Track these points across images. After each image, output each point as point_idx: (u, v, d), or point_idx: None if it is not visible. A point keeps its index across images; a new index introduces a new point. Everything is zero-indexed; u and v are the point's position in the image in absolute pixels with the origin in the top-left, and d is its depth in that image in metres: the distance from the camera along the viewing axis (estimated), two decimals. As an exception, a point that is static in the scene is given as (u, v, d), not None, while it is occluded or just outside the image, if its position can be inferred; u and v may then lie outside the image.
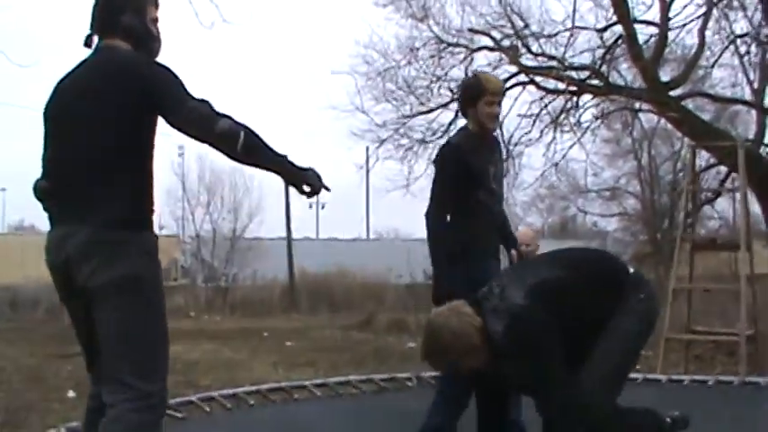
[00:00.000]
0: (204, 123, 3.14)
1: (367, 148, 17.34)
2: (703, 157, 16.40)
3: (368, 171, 19.32)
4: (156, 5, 3.52)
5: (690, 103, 15.02)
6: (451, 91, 14.86)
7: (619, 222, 25.70)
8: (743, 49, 14.59)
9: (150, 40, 3.46)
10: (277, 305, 23.04)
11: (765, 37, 13.19)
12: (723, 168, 15.28)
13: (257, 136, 3.18)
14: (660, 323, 8.81)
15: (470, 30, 14.99)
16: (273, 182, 26.56)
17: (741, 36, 14.25)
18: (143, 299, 3.21)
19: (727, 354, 10.23)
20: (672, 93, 14.00)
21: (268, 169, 3.25)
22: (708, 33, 14.07)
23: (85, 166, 3.24)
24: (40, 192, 3.43)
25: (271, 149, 3.21)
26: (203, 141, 3.17)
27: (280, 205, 26.64)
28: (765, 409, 5.61)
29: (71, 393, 8.12)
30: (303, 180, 3.24)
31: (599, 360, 3.51)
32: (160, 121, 3.28)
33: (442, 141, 15.19)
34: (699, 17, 13.93)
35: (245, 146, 3.11)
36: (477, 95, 4.64)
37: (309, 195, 3.27)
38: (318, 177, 3.28)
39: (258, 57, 59.63)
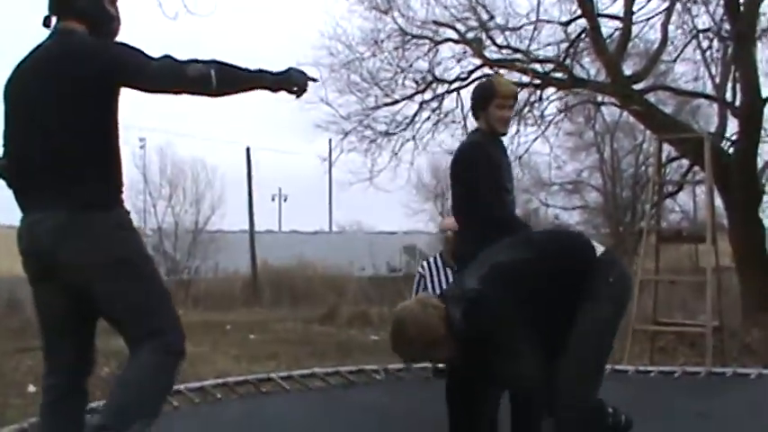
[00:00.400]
0: (174, 75, 3.24)
1: (330, 141, 17.27)
2: (665, 150, 16.50)
3: (331, 163, 19.23)
4: None
5: (652, 97, 15.09)
6: (416, 83, 14.83)
7: (581, 215, 25.80)
8: (705, 44, 14.70)
9: (107, 20, 3.47)
10: (239, 298, 22.92)
11: (726, 32, 13.27)
12: (685, 162, 15.37)
13: (227, 65, 3.31)
14: (627, 314, 8.86)
15: (435, 22, 14.95)
16: (236, 174, 26.37)
17: (703, 31, 14.35)
18: (135, 268, 3.31)
19: (690, 345, 10.33)
20: (635, 86, 14.06)
21: (251, 90, 3.40)
22: (671, 28, 14.16)
23: (52, 150, 3.28)
24: (2, 170, 3.44)
25: (245, 72, 3.35)
26: (180, 92, 3.29)
27: (242, 197, 26.53)
28: (732, 399, 5.63)
29: (31, 388, 8.00)
30: (289, 84, 3.42)
31: (575, 355, 3.49)
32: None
33: (406, 134, 15.50)
34: (662, 12, 14.03)
35: (219, 80, 3.25)
36: (488, 98, 4.60)
37: (299, 95, 3.46)
38: (301, 73, 3.46)
39: (222, 48, 59.26)
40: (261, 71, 3.39)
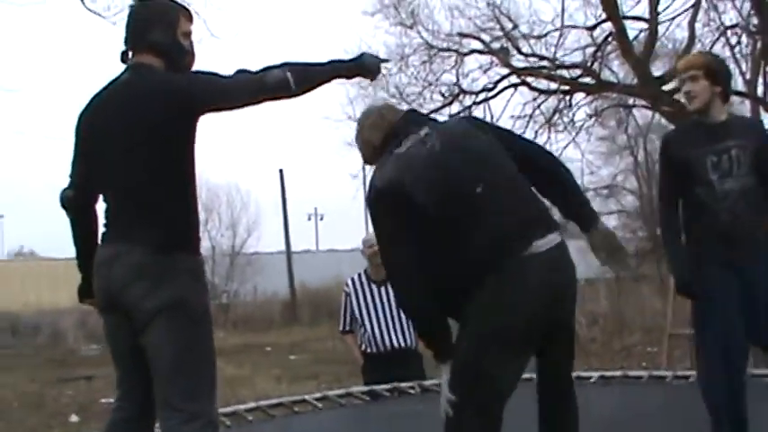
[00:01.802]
0: (255, 88, 3.31)
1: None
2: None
3: (365, 180, 19.25)
4: (189, 19, 3.50)
5: (683, 97, 14.97)
6: (443, 96, 14.84)
7: (618, 220, 25.58)
8: (733, 41, 14.57)
9: (181, 55, 3.43)
10: (278, 319, 23.04)
11: (755, 27, 13.15)
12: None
13: (300, 64, 3.39)
14: (663, 320, 8.79)
15: (460, 34, 14.99)
16: (271, 196, 26.53)
17: (731, 27, 14.23)
18: (191, 323, 3.21)
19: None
20: (665, 87, 13.96)
21: (329, 81, 3.48)
22: (697, 26, 14.06)
23: (129, 188, 3.27)
24: (66, 201, 3.48)
25: (319, 66, 3.45)
26: (263, 102, 3.36)
27: (278, 219, 26.66)
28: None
29: (74, 418, 8.06)
30: (363, 69, 3.56)
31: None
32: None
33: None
34: (687, 10, 13.93)
35: (297, 82, 3.31)
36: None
37: (374, 78, 3.69)
38: (374, 57, 3.62)
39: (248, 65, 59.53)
40: (333, 62, 3.49)
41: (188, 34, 3.47)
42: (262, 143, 56.80)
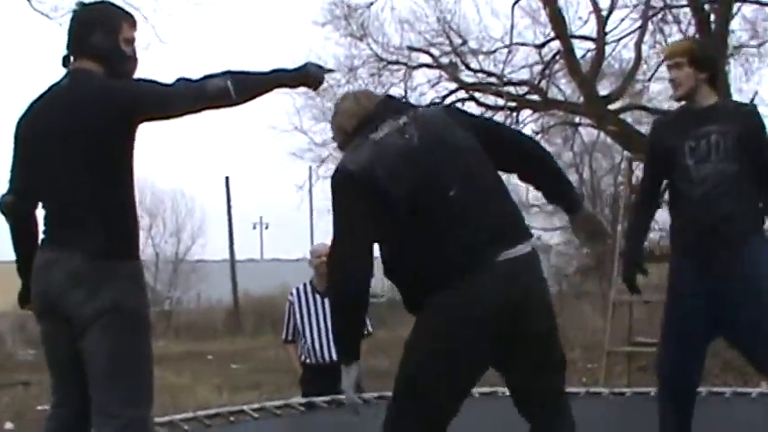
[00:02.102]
0: (194, 96, 3.27)
1: (310, 168, 17.32)
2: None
3: (311, 190, 19.27)
4: (133, 25, 3.46)
5: (629, 117, 15.19)
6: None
7: (561, 236, 25.81)
8: (679, 63, 14.80)
9: (122, 61, 3.40)
10: (221, 328, 22.85)
11: (700, 50, 13.37)
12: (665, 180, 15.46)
13: (242, 73, 3.36)
14: (602, 336, 8.89)
15: (409, 47, 15.07)
16: (216, 203, 26.40)
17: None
18: (130, 328, 3.21)
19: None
20: (610, 106, 14.15)
21: (271, 90, 3.45)
22: (644, 47, 14.28)
23: (69, 194, 3.25)
24: (5, 206, 3.44)
25: (261, 75, 3.41)
26: (203, 110, 3.33)
27: (223, 226, 26.49)
28: (706, 418, 5.61)
29: (8, 425, 7.93)
30: (307, 78, 3.52)
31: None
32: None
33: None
34: (634, 31, 14.16)
35: (237, 90, 3.29)
36: None
37: (317, 87, 3.65)
38: (318, 66, 3.58)
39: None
40: (276, 71, 3.45)
41: (131, 40, 3.43)
42: (208, 150, 56.37)
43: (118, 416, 3.15)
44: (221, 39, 55.62)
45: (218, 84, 3.26)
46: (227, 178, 26.42)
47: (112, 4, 3.47)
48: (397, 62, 15.16)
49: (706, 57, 4.22)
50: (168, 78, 3.30)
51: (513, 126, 14.62)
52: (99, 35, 3.34)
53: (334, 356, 6.40)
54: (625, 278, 4.39)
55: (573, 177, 24.82)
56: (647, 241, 4.67)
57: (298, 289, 6.69)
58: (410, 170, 3.08)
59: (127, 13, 3.48)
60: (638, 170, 16.60)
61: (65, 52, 3.42)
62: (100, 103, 3.22)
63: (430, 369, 3.03)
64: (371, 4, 15.00)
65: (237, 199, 26.55)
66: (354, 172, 3.08)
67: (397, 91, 15.07)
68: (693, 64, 4.11)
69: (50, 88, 3.40)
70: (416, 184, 3.06)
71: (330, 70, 3.74)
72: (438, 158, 3.11)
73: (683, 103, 4.24)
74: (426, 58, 15.04)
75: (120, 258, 3.23)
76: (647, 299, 12.90)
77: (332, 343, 6.40)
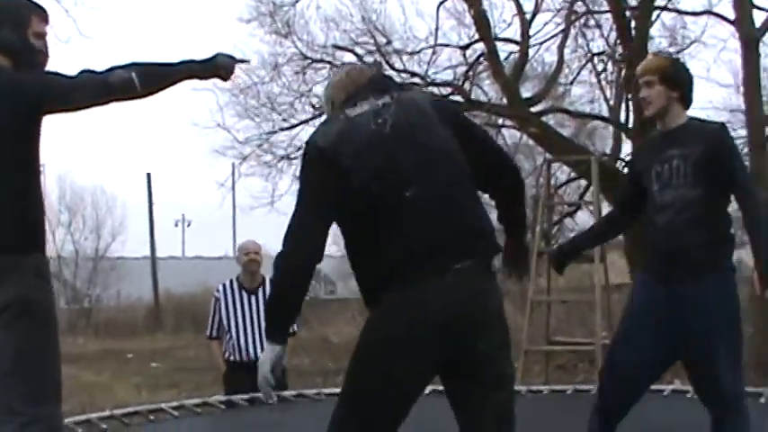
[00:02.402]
0: (98, 88, 3.27)
1: (233, 165, 17.20)
2: (565, 172, 16.85)
3: (234, 188, 19.14)
4: (44, 19, 3.45)
5: (551, 119, 15.39)
6: (314, 107, 14.85)
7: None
8: (600, 67, 15.11)
9: (32, 55, 3.39)
10: (141, 326, 22.60)
11: (620, 56, 13.62)
12: (584, 182, 15.71)
13: (149, 64, 3.37)
14: (519, 335, 9.00)
15: (334, 46, 15.04)
16: (137, 200, 26.10)
17: (598, 54, 14.73)
18: (35, 322, 3.18)
19: (589, 362, 10.49)
20: (533, 109, 14.32)
21: (180, 81, 3.45)
22: (566, 51, 14.49)
23: None
24: None
25: (168, 66, 3.42)
26: (109, 102, 3.32)
27: (144, 224, 26.19)
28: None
29: None
30: (217, 69, 3.50)
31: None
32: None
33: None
34: (557, 35, 14.36)
35: (143, 82, 3.29)
36: None
37: (227, 79, 3.60)
38: (229, 57, 3.55)
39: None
40: (185, 62, 3.44)
41: (41, 35, 3.43)
42: (130, 146, 55.68)
43: (21, 412, 3.11)
44: (145, 33, 54.93)
45: (122, 75, 3.26)
46: (148, 175, 26.20)
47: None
48: (321, 60, 15.12)
49: (678, 75, 4.03)
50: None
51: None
52: (7, 29, 3.34)
53: (260, 353, 6.39)
54: (555, 265, 4.39)
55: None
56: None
57: (224, 285, 6.65)
58: (372, 158, 2.94)
59: (38, 6, 3.46)
60: (559, 172, 16.98)
61: None
62: (7, 98, 3.21)
63: (365, 365, 2.97)
64: (297, 1, 14.95)
65: (159, 196, 26.34)
66: (322, 147, 2.98)
67: (321, 89, 15.05)
68: (665, 82, 3.96)
69: None
70: (375, 174, 2.92)
71: (243, 60, 3.66)
72: (404, 154, 2.95)
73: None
74: (351, 57, 15.01)
75: (24, 252, 3.21)
76: (564, 299, 13.23)
77: (257, 340, 6.39)
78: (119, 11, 48.69)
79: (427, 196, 2.91)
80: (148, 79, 3.32)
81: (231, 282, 6.66)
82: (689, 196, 3.85)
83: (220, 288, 6.66)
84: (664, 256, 3.91)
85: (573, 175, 16.03)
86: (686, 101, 4.03)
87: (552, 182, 11.30)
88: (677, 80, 3.99)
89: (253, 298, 6.51)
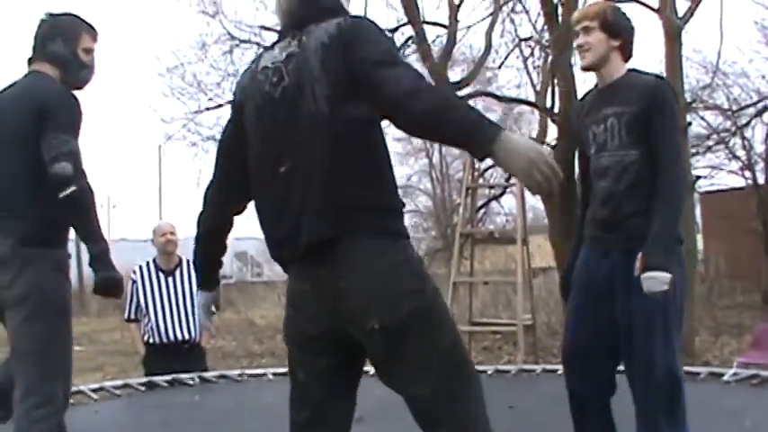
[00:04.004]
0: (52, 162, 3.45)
1: (159, 147, 17.05)
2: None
3: (160, 169, 18.97)
4: (93, 37, 3.85)
5: (479, 103, 15.49)
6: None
7: (411, 219, 26.22)
8: (527, 52, 15.24)
9: (77, 67, 3.77)
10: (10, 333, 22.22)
11: (547, 42, 13.75)
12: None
13: (92, 212, 3.55)
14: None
15: (262, 27, 14.95)
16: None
17: (525, 40, 14.85)
18: (50, 312, 3.52)
19: (513, 343, 10.65)
20: (460, 92, 14.39)
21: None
22: (494, 36, 14.58)
23: (4, 182, 3.58)
24: None
25: (96, 229, 3.57)
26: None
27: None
28: (538, 394, 5.84)
29: None
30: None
31: None
32: None
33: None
34: (485, 19, 14.43)
35: (67, 196, 3.43)
36: None
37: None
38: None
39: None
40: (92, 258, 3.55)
41: (89, 50, 3.82)
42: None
43: (35, 392, 3.43)
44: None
45: (67, 172, 3.45)
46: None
47: (77, 17, 3.85)
48: (249, 41, 15.04)
49: (620, 22, 3.70)
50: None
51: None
52: (59, 43, 3.75)
53: (179, 335, 6.37)
54: (563, 293, 3.93)
55: (423, 161, 25.30)
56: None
57: (140, 267, 6.60)
58: (258, 127, 2.74)
59: (89, 25, 3.86)
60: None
61: (30, 55, 3.79)
62: (28, 102, 3.57)
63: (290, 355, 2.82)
64: (225, -19, 14.84)
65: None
66: (234, 100, 2.88)
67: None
68: (605, 29, 3.64)
69: (10, 85, 3.77)
70: (257, 145, 2.75)
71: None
72: (286, 125, 2.65)
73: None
74: (279, 38, 14.95)
75: (44, 246, 3.55)
76: (486, 280, 13.38)
77: (176, 322, 6.36)
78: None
79: (300, 170, 2.61)
80: (71, 203, 3.48)
81: (148, 263, 6.60)
82: (626, 160, 3.55)
83: (137, 269, 6.60)
84: (601, 226, 3.65)
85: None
86: (627, 52, 3.71)
87: (478, 165, 11.35)
88: (619, 27, 3.68)
89: (170, 279, 6.47)
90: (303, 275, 2.69)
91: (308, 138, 2.60)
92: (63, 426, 3.59)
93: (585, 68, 3.73)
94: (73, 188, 3.43)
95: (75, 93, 3.72)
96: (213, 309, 3.17)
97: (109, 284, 3.59)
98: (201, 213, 3.00)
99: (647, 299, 3.37)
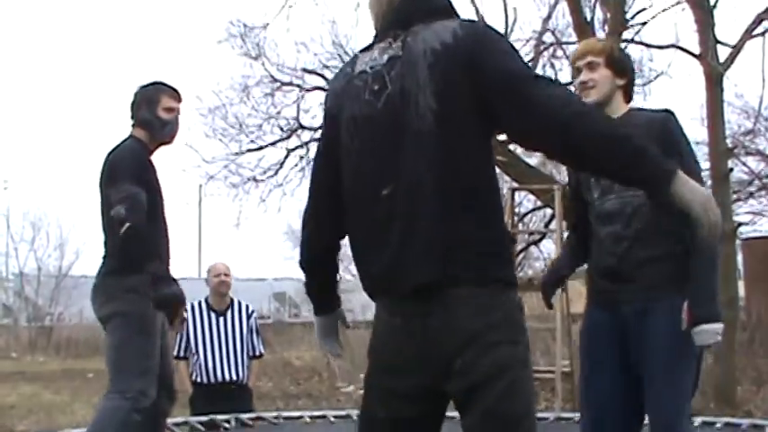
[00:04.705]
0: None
1: (200, 186, 17.22)
2: (531, 200, 16.94)
3: (200, 207, 19.11)
4: (173, 96, 4.52)
5: (517, 147, 15.48)
6: (282, 130, 14.88)
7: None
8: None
9: (159, 126, 4.47)
10: (104, 345, 22.33)
11: (587, 85, 13.74)
12: (549, 210, 15.80)
13: (142, 245, 4.20)
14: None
15: (303, 69, 15.08)
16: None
17: (566, 84, 14.79)
18: (128, 327, 4.24)
19: (550, 390, 10.52)
20: (499, 137, 14.37)
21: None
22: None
23: (103, 226, 4.41)
24: None
25: (146, 258, 4.19)
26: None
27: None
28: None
29: None
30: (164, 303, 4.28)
31: None
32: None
33: (274, 180, 15.44)
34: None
35: (124, 234, 4.13)
36: None
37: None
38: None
39: (92, 87, 58.35)
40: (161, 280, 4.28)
41: (170, 109, 4.48)
42: (95, 163, 55.32)
43: (114, 388, 4.20)
44: (122, 54, 54.88)
45: (120, 214, 4.14)
46: (113, 193, 25.96)
47: (159, 83, 4.55)
48: (290, 83, 15.17)
49: (625, 61, 3.51)
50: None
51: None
52: (143, 109, 4.46)
53: (227, 376, 6.39)
54: (545, 298, 3.70)
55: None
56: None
57: (193, 305, 6.60)
58: (356, 141, 2.40)
59: (169, 88, 4.54)
60: (525, 200, 17.05)
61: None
62: (104, 162, 4.36)
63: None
64: (267, 24, 15.01)
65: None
66: (325, 110, 2.54)
67: (289, 112, 15.09)
68: (611, 66, 3.39)
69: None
70: (355, 161, 2.40)
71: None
72: (389, 139, 2.31)
73: None
74: (320, 81, 15.08)
75: (124, 275, 4.24)
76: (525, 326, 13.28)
77: (225, 362, 6.38)
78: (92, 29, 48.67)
79: (405, 197, 2.29)
80: (126, 242, 4.21)
81: (200, 302, 6.63)
82: (635, 202, 3.24)
83: (189, 308, 6.57)
84: (608, 275, 3.35)
85: (538, 203, 16.12)
86: (629, 93, 3.49)
87: (518, 210, 11.32)
88: (624, 66, 3.47)
89: (221, 319, 6.50)
90: (395, 310, 2.37)
91: (413, 158, 2.26)
92: (151, 420, 4.30)
93: None
94: (126, 226, 4.10)
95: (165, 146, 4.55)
96: (340, 328, 2.82)
97: (161, 302, 4.22)
98: (302, 241, 2.68)
99: (661, 352, 3.20)
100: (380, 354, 2.44)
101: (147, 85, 4.56)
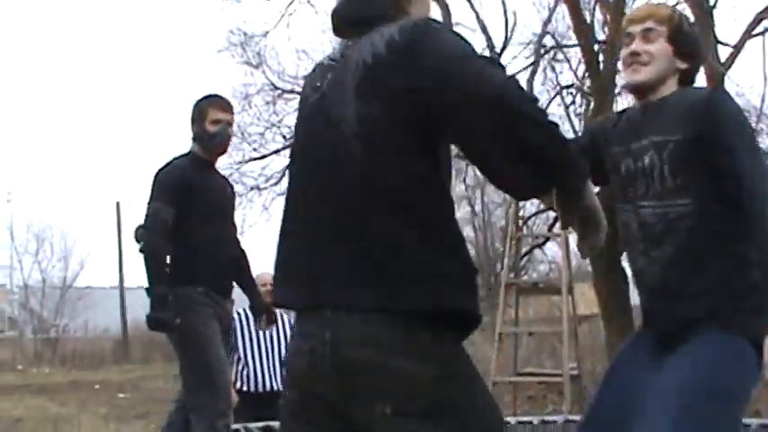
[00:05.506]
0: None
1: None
2: (535, 203, 16.95)
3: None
4: (220, 107, 4.82)
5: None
6: (284, 137, 14.86)
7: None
8: (568, 100, 15.23)
9: (208, 139, 4.77)
10: (110, 356, 22.38)
11: (588, 88, 13.74)
12: (553, 213, 15.79)
13: (153, 264, 4.55)
14: (487, 366, 9.02)
15: (305, 77, 15.07)
16: (106, 229, 25.97)
17: (567, 87, 14.85)
18: (184, 339, 4.56)
19: (558, 393, 10.51)
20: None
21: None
22: (536, 84, 14.60)
23: None
24: None
25: (154, 279, 4.54)
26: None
27: (112, 253, 26.02)
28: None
29: None
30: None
31: None
32: None
33: (277, 188, 15.43)
34: (527, 68, 14.46)
35: (141, 251, 4.56)
36: None
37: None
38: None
39: (94, 98, 58.38)
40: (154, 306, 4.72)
41: (217, 121, 4.74)
42: (99, 174, 55.40)
43: (185, 399, 4.65)
44: (121, 61, 54.91)
45: (144, 245, 4.61)
46: (117, 204, 26.00)
47: (209, 96, 4.85)
48: (292, 91, 15.16)
49: (695, 40, 2.77)
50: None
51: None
52: (195, 124, 4.76)
53: (274, 386, 6.34)
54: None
55: (465, 210, 25.23)
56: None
57: (239, 313, 6.52)
58: (297, 135, 2.30)
59: (218, 99, 4.88)
60: (528, 203, 17.05)
61: None
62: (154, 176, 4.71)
63: None
64: (268, 33, 15.01)
65: (128, 225, 26.08)
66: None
67: (291, 120, 15.07)
68: (675, 40, 2.65)
69: None
70: (296, 158, 2.26)
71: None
72: (317, 141, 2.11)
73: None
74: (322, 88, 15.06)
75: (178, 285, 4.52)
76: (532, 330, 13.26)
77: (273, 371, 6.36)
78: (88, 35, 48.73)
79: (313, 203, 2.08)
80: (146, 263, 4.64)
81: (245, 311, 6.37)
82: (674, 212, 2.56)
83: (235, 316, 6.43)
84: (644, 308, 2.78)
85: (542, 206, 16.11)
86: (691, 80, 2.75)
87: (521, 213, 11.32)
88: (692, 47, 2.70)
89: (268, 330, 6.46)
90: (305, 332, 2.08)
91: (339, 180, 2.01)
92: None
93: (634, 87, 2.73)
94: (141, 244, 4.49)
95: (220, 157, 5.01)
96: None
97: (151, 324, 4.58)
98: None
99: (688, 394, 2.50)
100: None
101: (200, 99, 4.82)
